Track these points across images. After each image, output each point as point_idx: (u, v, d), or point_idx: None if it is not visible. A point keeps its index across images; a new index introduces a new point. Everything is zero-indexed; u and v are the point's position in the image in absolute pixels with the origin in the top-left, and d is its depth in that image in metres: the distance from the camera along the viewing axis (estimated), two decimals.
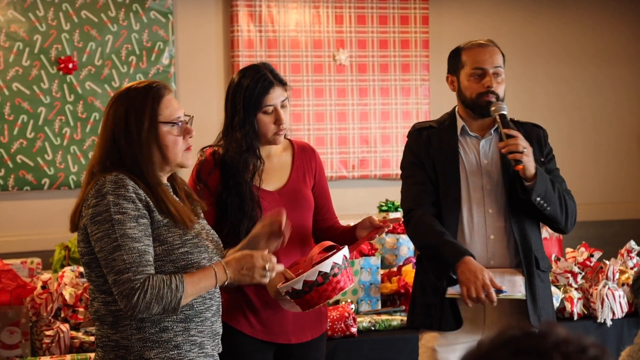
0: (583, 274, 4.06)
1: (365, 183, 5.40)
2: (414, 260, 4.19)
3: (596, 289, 3.93)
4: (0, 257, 3.90)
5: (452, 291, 2.92)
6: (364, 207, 4.92)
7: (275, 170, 3.00)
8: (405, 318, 3.92)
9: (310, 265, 2.69)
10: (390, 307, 4.03)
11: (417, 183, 3.09)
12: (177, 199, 2.52)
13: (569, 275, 4.00)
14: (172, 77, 5.05)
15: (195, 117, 5.24)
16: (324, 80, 5.39)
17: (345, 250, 2.71)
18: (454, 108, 3.20)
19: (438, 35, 5.64)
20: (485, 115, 3.10)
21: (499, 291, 2.83)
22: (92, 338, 3.39)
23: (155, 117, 2.45)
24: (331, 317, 3.66)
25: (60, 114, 4.87)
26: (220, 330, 2.57)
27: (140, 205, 2.39)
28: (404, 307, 4.00)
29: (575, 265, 4.07)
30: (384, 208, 4.79)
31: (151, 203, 2.42)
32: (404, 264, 4.21)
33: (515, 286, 2.92)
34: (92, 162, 2.50)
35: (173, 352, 2.43)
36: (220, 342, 2.58)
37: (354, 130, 5.44)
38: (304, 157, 3.06)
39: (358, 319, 3.83)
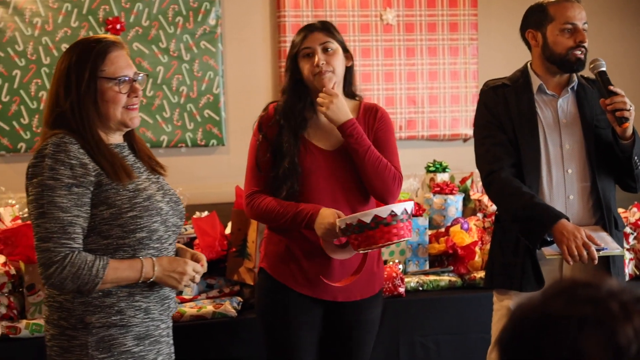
0: (635, 234, 4.02)
1: (412, 144, 5.35)
2: (462, 221, 4.17)
3: None
4: None
5: (551, 251, 2.90)
6: (412, 167, 4.88)
7: (334, 129, 3.00)
8: (453, 279, 3.92)
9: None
10: (438, 267, 4.02)
11: (498, 144, 3.05)
12: (122, 157, 2.46)
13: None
14: (218, 38, 5.04)
15: (242, 77, 5.25)
16: (370, 40, 5.34)
17: (411, 204, 2.79)
18: (527, 65, 3.17)
19: None
20: (573, 70, 3.08)
21: (598, 248, 2.84)
22: None
23: (95, 72, 2.38)
24: None
25: None
26: (172, 294, 2.52)
27: (79, 171, 2.31)
28: (451, 268, 3.99)
29: (627, 225, 4.02)
30: (432, 169, 4.75)
31: (98, 167, 2.35)
32: (451, 225, 4.19)
33: (608, 243, 2.92)
34: (43, 118, 2.45)
35: (116, 318, 2.38)
36: (172, 304, 2.53)
37: (401, 90, 5.39)
38: (366, 116, 3.07)
39: (406, 279, 3.83)
